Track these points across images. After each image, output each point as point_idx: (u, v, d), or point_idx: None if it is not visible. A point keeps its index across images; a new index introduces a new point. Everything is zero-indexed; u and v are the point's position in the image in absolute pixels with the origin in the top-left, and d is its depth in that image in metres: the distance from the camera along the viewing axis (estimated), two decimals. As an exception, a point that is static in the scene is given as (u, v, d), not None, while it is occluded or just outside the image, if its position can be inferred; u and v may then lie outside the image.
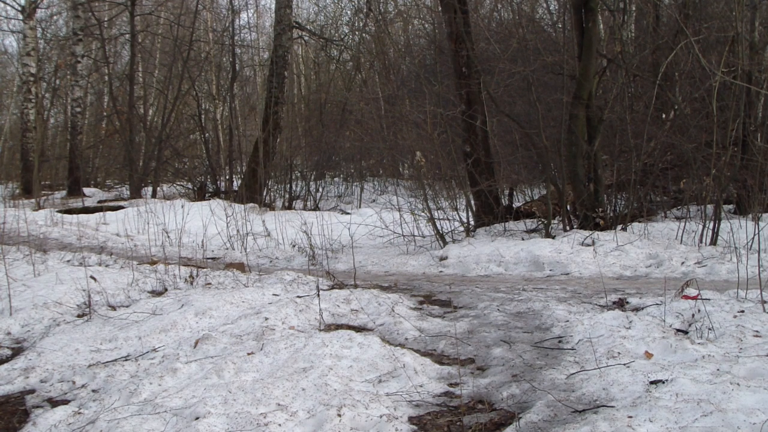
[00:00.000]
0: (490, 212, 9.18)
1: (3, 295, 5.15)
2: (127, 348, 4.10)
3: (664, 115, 9.39)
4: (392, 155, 14.78)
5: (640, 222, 8.15)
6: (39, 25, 21.26)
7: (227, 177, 16.91)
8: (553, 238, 7.72)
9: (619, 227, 7.83)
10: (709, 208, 7.55)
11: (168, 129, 17.50)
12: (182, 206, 10.68)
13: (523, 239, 7.95)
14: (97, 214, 12.45)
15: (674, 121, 9.08)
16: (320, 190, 15.89)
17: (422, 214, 9.04)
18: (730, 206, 9.03)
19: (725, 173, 7.51)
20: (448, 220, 9.15)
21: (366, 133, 15.44)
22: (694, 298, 4.32)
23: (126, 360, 3.87)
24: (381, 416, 2.84)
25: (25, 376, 3.74)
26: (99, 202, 15.75)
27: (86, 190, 18.46)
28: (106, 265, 6.95)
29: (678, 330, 3.81)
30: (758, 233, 6.16)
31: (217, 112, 19.47)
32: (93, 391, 3.49)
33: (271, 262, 8.40)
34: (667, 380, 2.90)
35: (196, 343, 3.99)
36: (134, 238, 10.23)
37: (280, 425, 2.79)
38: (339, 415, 2.80)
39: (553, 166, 9.02)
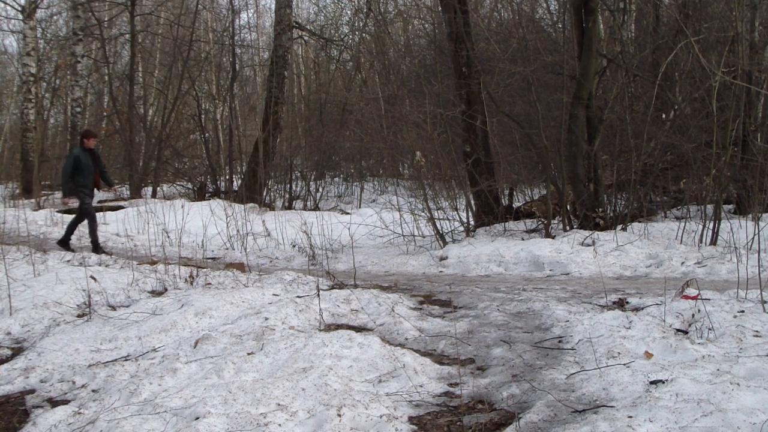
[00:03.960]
0: (490, 212, 9.19)
1: (3, 295, 5.15)
2: (127, 348, 4.09)
3: (664, 115, 9.38)
4: (392, 155, 14.78)
5: (640, 222, 8.15)
6: (39, 25, 21.22)
7: (227, 177, 16.91)
8: (553, 238, 7.72)
9: (619, 227, 7.83)
10: (709, 208, 7.55)
11: (168, 129, 17.49)
12: (182, 206, 10.65)
13: (523, 239, 7.95)
14: (97, 214, 12.40)
15: (674, 121, 9.08)
16: (320, 190, 15.90)
17: (422, 214, 9.04)
18: (730, 206, 9.03)
19: (725, 173, 7.51)
20: (448, 220, 9.15)
21: (366, 133, 15.42)
22: (694, 298, 4.32)
23: (126, 360, 3.87)
24: (381, 416, 2.84)
25: (25, 376, 3.74)
26: (99, 202, 15.70)
27: (86, 190, 18.41)
28: (106, 265, 6.96)
29: (678, 330, 3.81)
30: (758, 233, 6.16)
31: (217, 112, 19.46)
32: (93, 391, 3.49)
33: (271, 262, 8.40)
34: (667, 380, 2.90)
35: (196, 343, 3.99)
36: (134, 238, 10.23)
37: (280, 425, 2.79)
38: (339, 415, 2.80)
39: (553, 166, 9.02)
